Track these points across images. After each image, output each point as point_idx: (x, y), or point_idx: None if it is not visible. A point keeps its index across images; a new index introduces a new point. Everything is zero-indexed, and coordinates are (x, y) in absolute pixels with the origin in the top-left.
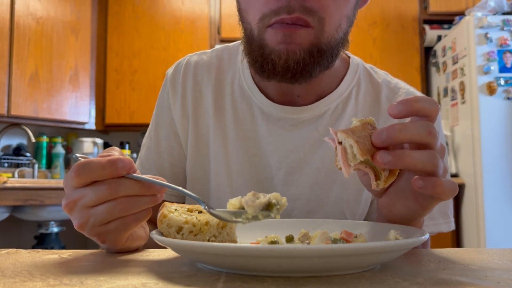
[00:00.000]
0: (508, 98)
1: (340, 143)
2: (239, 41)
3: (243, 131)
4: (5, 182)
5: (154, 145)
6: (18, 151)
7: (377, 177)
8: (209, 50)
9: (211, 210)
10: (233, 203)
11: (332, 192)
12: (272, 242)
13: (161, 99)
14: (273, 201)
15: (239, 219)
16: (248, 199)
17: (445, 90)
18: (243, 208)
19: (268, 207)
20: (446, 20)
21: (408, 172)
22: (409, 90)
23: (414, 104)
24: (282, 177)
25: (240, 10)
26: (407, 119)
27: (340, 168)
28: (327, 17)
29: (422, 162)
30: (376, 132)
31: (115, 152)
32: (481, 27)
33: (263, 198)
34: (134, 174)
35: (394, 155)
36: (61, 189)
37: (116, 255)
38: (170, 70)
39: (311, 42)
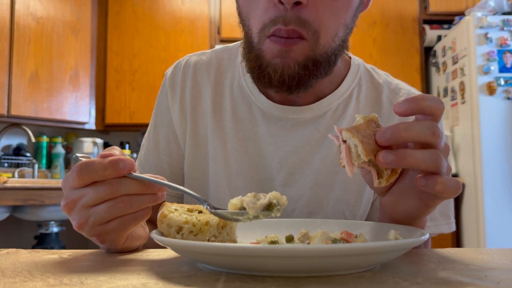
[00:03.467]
0: (508, 98)
1: (344, 141)
2: (239, 42)
3: (242, 131)
4: (5, 182)
5: (153, 146)
6: (18, 151)
7: (380, 175)
8: (209, 51)
9: (213, 210)
10: (234, 203)
11: (333, 193)
12: (272, 242)
13: (160, 99)
14: (274, 201)
15: (240, 218)
16: (249, 201)
17: (445, 90)
18: (244, 209)
19: (268, 207)
20: (446, 20)
21: (412, 170)
22: (410, 91)
23: (420, 102)
24: (283, 178)
25: (240, 14)
26: (411, 118)
27: (344, 166)
28: (322, 29)
29: (425, 161)
30: (381, 130)
31: (115, 151)
32: (481, 27)
33: (264, 199)
34: (134, 174)
35: (396, 154)
36: (61, 189)
37: (116, 255)
38: (169, 71)
39: (306, 55)
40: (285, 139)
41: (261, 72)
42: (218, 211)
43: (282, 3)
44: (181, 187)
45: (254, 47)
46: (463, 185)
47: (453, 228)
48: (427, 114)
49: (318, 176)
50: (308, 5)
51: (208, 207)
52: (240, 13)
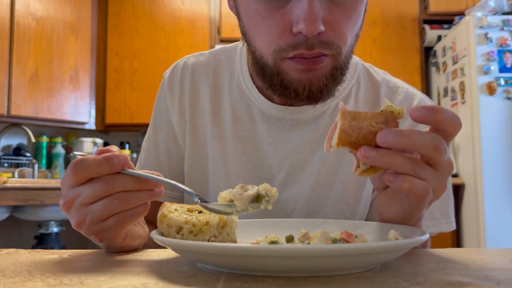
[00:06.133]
0: (508, 98)
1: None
2: (237, 42)
3: (241, 132)
4: (5, 182)
5: (153, 148)
6: (18, 151)
7: (358, 165)
8: (207, 52)
9: (203, 204)
10: (223, 196)
11: (332, 192)
12: (272, 242)
13: (159, 101)
14: (262, 192)
15: (229, 210)
16: (236, 192)
17: (445, 90)
18: (233, 201)
19: (257, 198)
20: (446, 20)
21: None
22: (408, 89)
23: (437, 114)
24: (283, 178)
25: (245, 34)
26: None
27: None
28: (343, 43)
29: (404, 166)
30: (384, 130)
31: (112, 149)
32: (481, 27)
33: (251, 190)
34: (130, 170)
35: (378, 151)
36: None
37: (116, 255)
38: (167, 72)
39: (333, 65)
40: (285, 139)
41: (285, 89)
42: (207, 204)
43: (300, 32)
44: (174, 182)
45: (270, 66)
46: (463, 185)
47: (453, 227)
48: (440, 129)
49: (318, 175)
50: (326, 28)
51: (199, 200)
52: (245, 34)
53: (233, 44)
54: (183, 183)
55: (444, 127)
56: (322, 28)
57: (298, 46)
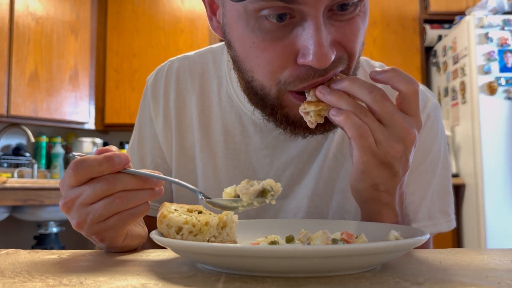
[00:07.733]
0: (509, 98)
1: None
2: (223, 43)
3: (233, 144)
4: (4, 182)
5: (138, 160)
6: (17, 151)
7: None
8: (192, 53)
9: (208, 200)
10: (228, 192)
11: (332, 202)
12: (272, 243)
13: (142, 110)
14: (267, 187)
15: (235, 205)
16: (242, 187)
17: (446, 90)
18: (238, 196)
19: (262, 193)
20: (446, 20)
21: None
22: None
23: (388, 72)
24: (281, 191)
25: (239, 63)
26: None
27: None
28: (353, 57)
29: (347, 105)
30: (338, 79)
31: (112, 149)
32: (482, 27)
33: (257, 185)
34: (130, 169)
35: (330, 90)
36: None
37: (116, 255)
38: (150, 77)
39: None
40: (281, 150)
41: (292, 126)
42: (213, 199)
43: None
44: (176, 180)
45: (272, 98)
46: (463, 185)
47: (453, 225)
48: (393, 87)
49: (316, 185)
50: (336, 48)
51: (203, 197)
52: (239, 63)
53: (219, 44)
54: (172, 198)
55: (395, 85)
56: (333, 57)
57: (306, 78)
